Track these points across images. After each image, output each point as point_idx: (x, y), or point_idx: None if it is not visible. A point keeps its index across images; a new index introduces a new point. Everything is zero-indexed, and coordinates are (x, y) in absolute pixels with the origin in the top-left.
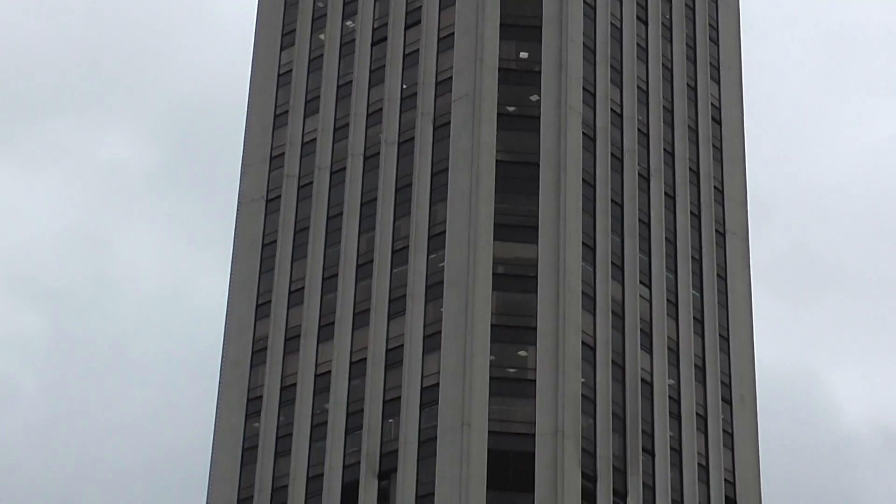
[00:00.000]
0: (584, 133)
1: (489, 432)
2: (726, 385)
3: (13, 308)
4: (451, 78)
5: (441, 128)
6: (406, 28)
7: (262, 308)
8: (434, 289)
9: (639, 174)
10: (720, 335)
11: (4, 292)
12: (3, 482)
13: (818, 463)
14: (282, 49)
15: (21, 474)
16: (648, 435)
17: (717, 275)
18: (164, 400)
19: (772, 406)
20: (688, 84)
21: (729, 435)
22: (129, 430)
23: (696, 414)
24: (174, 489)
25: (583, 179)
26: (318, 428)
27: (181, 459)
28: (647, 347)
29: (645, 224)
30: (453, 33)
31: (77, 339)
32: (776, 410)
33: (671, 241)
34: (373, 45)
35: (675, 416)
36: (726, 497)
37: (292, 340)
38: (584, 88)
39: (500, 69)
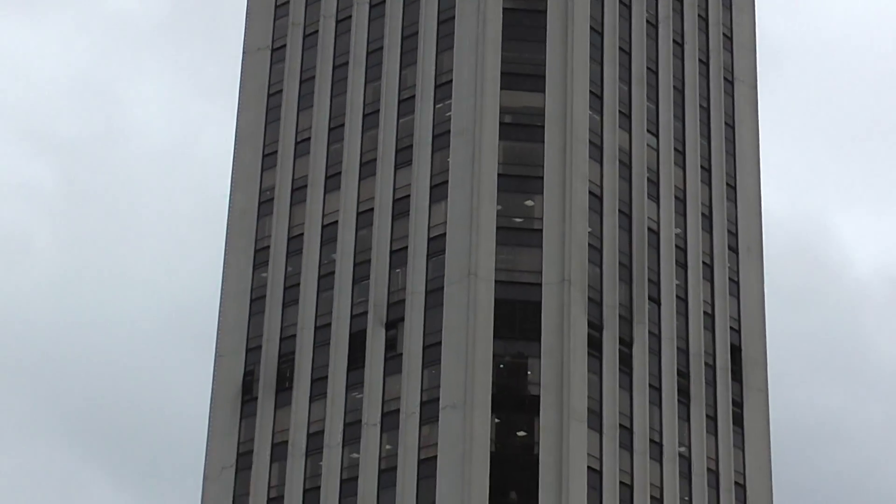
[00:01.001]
0: None
1: (496, 282)
2: (733, 234)
3: (23, 159)
4: None
5: None
6: None
7: (269, 158)
8: (441, 138)
9: (647, 21)
10: (727, 184)
11: (13, 143)
12: (16, 335)
13: (825, 312)
14: None
15: (33, 327)
16: (654, 284)
17: (725, 123)
18: (174, 251)
19: (779, 255)
20: None
21: (735, 284)
22: (139, 281)
23: (703, 263)
24: (184, 340)
25: (590, 27)
26: (326, 278)
27: (190, 310)
28: (654, 196)
29: (653, 72)
30: None
31: (86, 190)
32: (783, 259)
33: (679, 90)
34: None
35: (682, 265)
36: (731, 345)
37: (299, 191)
38: None
39: None
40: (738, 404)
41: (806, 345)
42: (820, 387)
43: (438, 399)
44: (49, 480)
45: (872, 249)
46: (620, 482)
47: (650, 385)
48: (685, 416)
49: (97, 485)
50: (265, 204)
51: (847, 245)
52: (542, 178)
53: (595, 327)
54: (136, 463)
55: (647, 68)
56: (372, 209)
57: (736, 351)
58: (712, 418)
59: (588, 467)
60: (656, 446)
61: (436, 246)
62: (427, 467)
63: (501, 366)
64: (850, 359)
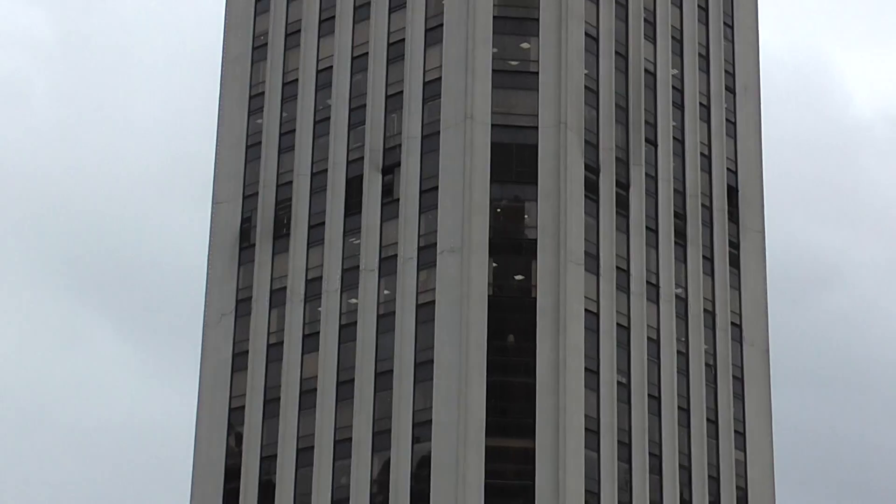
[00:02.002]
0: None
1: (492, 125)
2: (730, 74)
3: (18, 7)
4: None
5: None
6: None
7: (262, 3)
8: None
9: None
10: (725, 23)
11: None
12: (16, 185)
13: (824, 152)
14: None
15: (32, 176)
16: (651, 125)
17: None
18: (169, 99)
19: (777, 95)
20: None
21: (732, 124)
22: (135, 129)
23: (700, 104)
24: (181, 187)
25: None
26: (321, 124)
27: (187, 157)
28: (651, 37)
29: None
30: None
31: (81, 37)
32: (781, 99)
33: None
34: None
35: (678, 106)
36: (728, 186)
37: (293, 36)
38: None
39: None
40: (734, 245)
41: (804, 186)
42: (818, 228)
43: (436, 244)
44: (52, 328)
45: (873, 88)
46: (617, 324)
47: (647, 227)
48: (682, 258)
49: (99, 332)
50: (259, 49)
51: (847, 84)
52: (537, 19)
53: (592, 170)
54: (137, 310)
55: None
56: (367, 53)
57: (733, 192)
58: (709, 259)
59: (585, 310)
60: (653, 288)
61: (431, 90)
62: (425, 312)
63: (498, 210)
64: (848, 200)
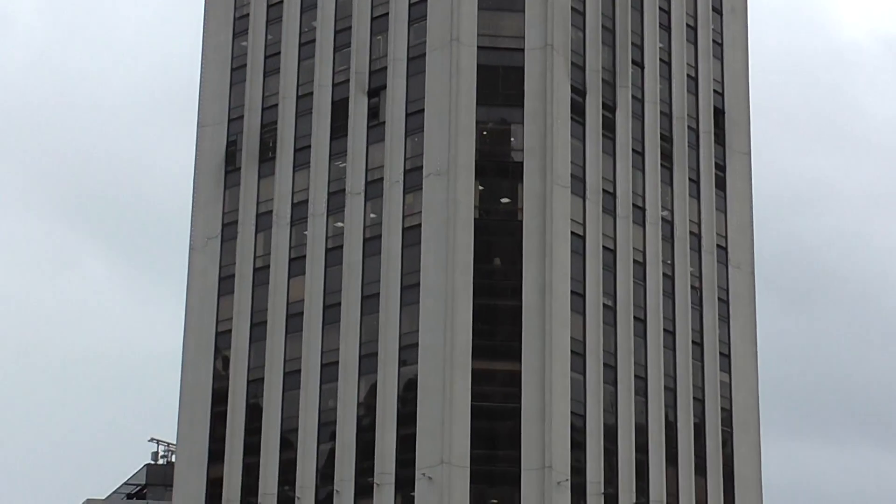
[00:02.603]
0: None
1: (478, 47)
2: None
3: None
4: None
5: None
6: None
7: None
8: None
9: None
10: None
11: None
12: (4, 112)
13: (814, 74)
14: None
15: (20, 103)
16: (638, 47)
17: None
18: (154, 23)
19: (765, 16)
20: None
21: (719, 45)
22: (120, 53)
23: (686, 25)
24: (167, 111)
25: None
26: (307, 46)
27: (172, 81)
28: None
29: None
30: None
31: None
32: (770, 20)
33: None
34: None
35: (665, 28)
36: (715, 108)
37: None
38: None
39: None
40: (720, 168)
41: (792, 108)
42: (807, 151)
43: (422, 167)
44: (40, 254)
45: (864, 9)
46: (603, 247)
47: (633, 149)
48: (668, 180)
49: (87, 257)
50: None
51: (838, 5)
52: None
53: (578, 92)
54: (125, 235)
55: None
56: None
57: (719, 114)
58: (695, 182)
59: (571, 232)
60: (639, 210)
61: (417, 11)
62: (411, 235)
63: (484, 132)
64: (837, 122)
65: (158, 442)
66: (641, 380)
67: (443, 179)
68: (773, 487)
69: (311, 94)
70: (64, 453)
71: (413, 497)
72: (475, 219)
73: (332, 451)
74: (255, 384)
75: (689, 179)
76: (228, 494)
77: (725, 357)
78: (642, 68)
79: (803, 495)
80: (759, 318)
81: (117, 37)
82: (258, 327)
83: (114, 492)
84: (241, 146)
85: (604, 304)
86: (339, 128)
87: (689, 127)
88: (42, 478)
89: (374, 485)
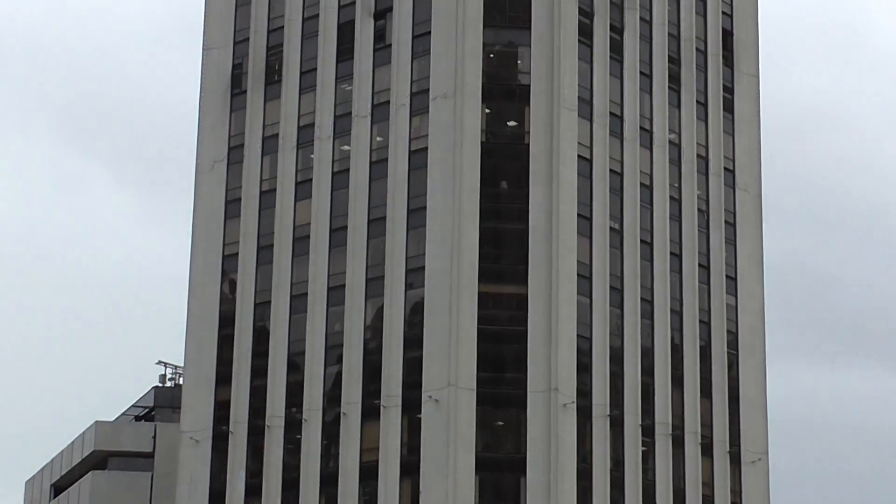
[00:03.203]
0: None
1: None
2: None
3: None
4: None
5: None
6: None
7: None
8: None
9: None
10: None
11: None
12: (10, 36)
13: None
14: None
15: (26, 26)
16: None
17: None
18: None
19: None
20: None
21: None
22: None
23: None
24: (172, 34)
25: None
26: None
27: (178, 3)
28: None
29: None
30: None
31: None
32: None
33: None
34: None
35: None
36: (723, 30)
37: None
38: None
39: None
40: (728, 90)
41: (801, 28)
42: (817, 73)
43: (428, 90)
44: (48, 176)
45: None
46: (611, 170)
47: (641, 72)
48: (676, 103)
49: (94, 179)
50: None
51: None
52: None
53: (586, 14)
54: (132, 157)
55: None
56: None
57: (728, 36)
58: (703, 104)
59: (578, 156)
60: (646, 133)
61: None
62: (418, 158)
63: (491, 55)
64: (850, 44)
65: (166, 365)
66: (647, 303)
67: (449, 102)
68: (779, 410)
69: (317, 16)
70: (72, 376)
71: (419, 419)
72: (482, 142)
73: (339, 374)
74: (262, 307)
75: (697, 102)
76: (236, 417)
77: (732, 280)
78: None
79: (809, 418)
80: (766, 241)
81: None
82: (265, 250)
83: (122, 414)
84: (247, 69)
85: (610, 228)
86: (344, 50)
87: (696, 49)
88: (51, 401)
89: (381, 407)
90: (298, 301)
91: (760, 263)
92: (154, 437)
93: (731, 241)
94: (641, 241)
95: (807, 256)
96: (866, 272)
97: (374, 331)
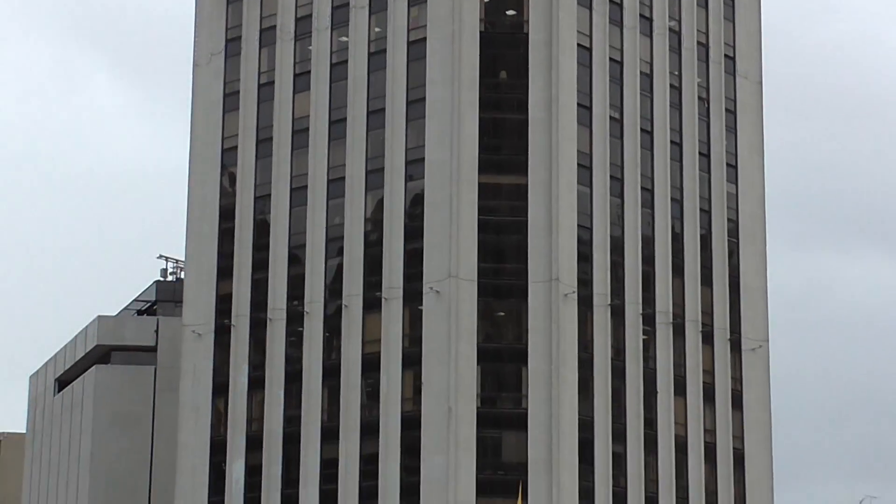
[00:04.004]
0: None
1: None
2: None
3: None
4: None
5: None
6: None
7: None
8: None
9: None
10: None
11: None
12: None
13: None
14: None
15: None
16: None
17: None
18: None
19: None
20: None
21: None
22: None
23: None
24: None
25: None
26: None
27: None
28: None
29: None
30: None
31: None
32: None
33: None
34: None
35: None
36: None
37: None
38: None
39: None
40: None
41: None
42: None
43: None
44: (48, 72)
45: None
46: (610, 59)
47: None
48: None
49: (93, 74)
50: None
51: None
52: None
53: None
54: (130, 51)
55: None
56: None
57: None
58: None
59: (578, 44)
60: (646, 21)
61: None
62: (417, 49)
63: None
64: None
65: (167, 259)
66: (648, 192)
67: None
68: (779, 298)
69: None
70: (74, 272)
71: (421, 311)
72: (480, 32)
73: (340, 267)
74: (262, 200)
75: None
76: (238, 310)
77: (732, 168)
78: None
79: (810, 305)
80: (767, 129)
81: None
82: (264, 143)
83: (124, 308)
84: None
85: (610, 117)
86: None
87: None
88: (53, 295)
89: (382, 299)
90: (298, 194)
91: (761, 151)
92: (156, 331)
93: (732, 129)
94: (641, 129)
95: (808, 143)
96: (869, 158)
97: (374, 223)
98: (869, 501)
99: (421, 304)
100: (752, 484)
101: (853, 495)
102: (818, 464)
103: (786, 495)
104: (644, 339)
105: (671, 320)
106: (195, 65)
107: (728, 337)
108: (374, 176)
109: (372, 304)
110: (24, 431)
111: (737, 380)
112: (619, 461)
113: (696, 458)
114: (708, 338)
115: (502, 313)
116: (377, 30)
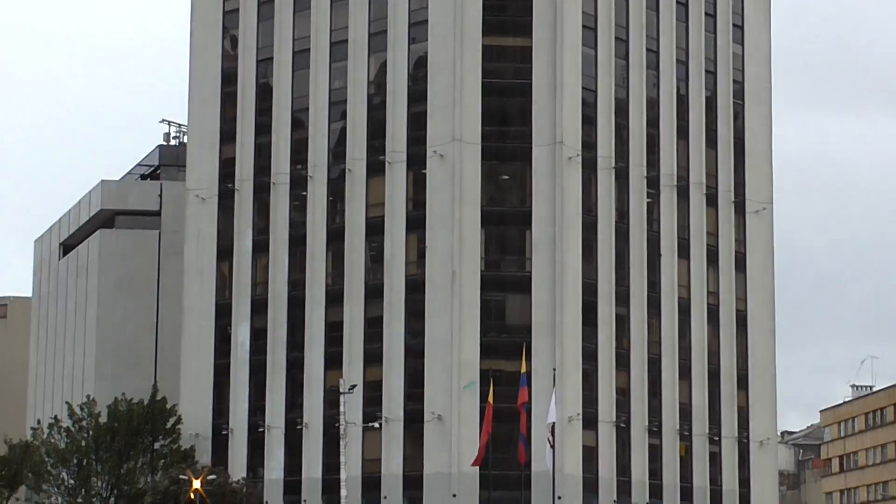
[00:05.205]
0: None
1: None
2: None
3: None
4: None
5: None
6: None
7: None
8: None
9: None
10: None
11: None
12: None
13: None
14: None
15: None
16: None
17: None
18: None
19: None
20: None
21: None
22: None
23: None
24: None
25: None
26: None
27: None
28: None
29: None
30: None
31: None
32: None
33: None
34: None
35: None
36: None
37: None
38: None
39: None
40: None
41: None
42: None
43: None
44: None
45: None
46: None
47: None
48: None
49: None
50: None
51: None
52: None
53: None
54: None
55: None
56: None
57: None
58: None
59: None
60: None
61: None
62: None
63: None
64: None
65: (170, 123)
66: (653, 53)
67: None
68: (784, 160)
69: None
70: (77, 137)
71: (424, 175)
72: None
73: (343, 131)
74: (265, 64)
75: None
76: (241, 174)
77: (738, 28)
78: None
79: (815, 167)
80: None
81: None
82: (266, 5)
83: (127, 173)
84: None
85: None
86: None
87: None
88: (57, 161)
89: (386, 163)
90: (301, 57)
91: (767, 11)
92: (160, 195)
93: None
94: None
95: (815, 3)
96: (877, 19)
97: (377, 86)
98: (871, 361)
99: (424, 168)
100: (754, 346)
101: (856, 356)
102: (821, 325)
103: (789, 356)
104: (648, 202)
105: (675, 183)
106: None
107: (732, 199)
108: (377, 38)
109: (375, 167)
110: (30, 296)
111: (740, 242)
112: (622, 323)
113: (698, 319)
114: (712, 200)
115: (506, 177)
116: None
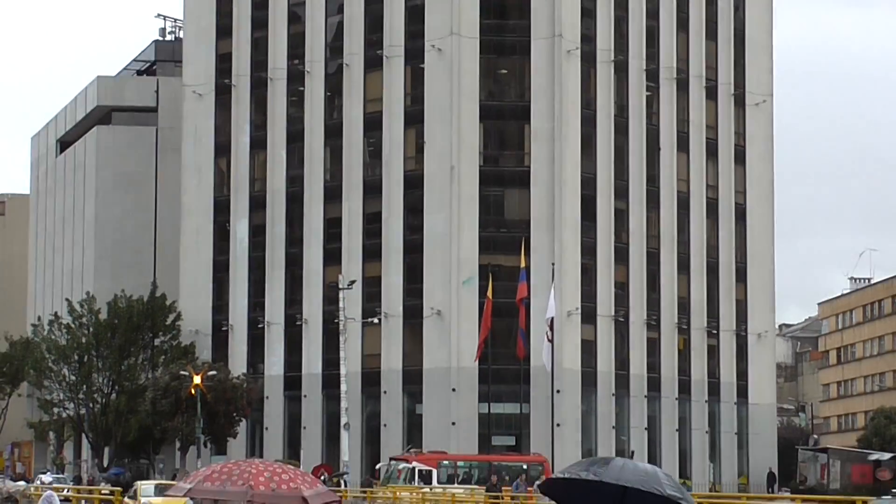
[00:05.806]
0: None
1: None
2: None
3: None
4: None
5: None
6: None
7: None
8: None
9: None
10: None
11: None
12: None
13: None
14: None
15: None
16: None
17: None
18: None
19: None
20: None
21: None
22: None
23: None
24: None
25: None
26: None
27: None
28: None
29: None
30: None
31: None
32: None
33: None
34: None
35: None
36: None
37: None
38: None
39: None
40: None
41: None
42: None
43: None
44: None
45: None
46: None
47: None
48: None
49: None
50: None
51: None
52: None
53: None
54: None
55: None
56: None
57: None
58: None
59: None
60: None
61: None
62: None
63: None
64: None
65: (165, 18)
66: None
67: None
68: (784, 52)
69: None
70: (72, 32)
71: (422, 69)
72: None
73: (341, 25)
74: None
75: None
76: (238, 70)
77: None
78: None
79: (815, 60)
80: None
81: None
82: None
83: (123, 69)
84: None
85: None
86: None
87: None
88: (51, 56)
89: (384, 58)
90: None
91: None
92: (157, 91)
93: None
94: None
95: None
96: None
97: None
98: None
99: (422, 63)
100: (753, 239)
101: (855, 248)
102: (821, 218)
103: (788, 250)
104: (647, 95)
105: (675, 76)
106: None
107: (732, 92)
108: None
109: (373, 62)
110: (28, 193)
111: (740, 135)
112: (620, 217)
113: (697, 213)
114: (712, 93)
115: (504, 71)
116: None
